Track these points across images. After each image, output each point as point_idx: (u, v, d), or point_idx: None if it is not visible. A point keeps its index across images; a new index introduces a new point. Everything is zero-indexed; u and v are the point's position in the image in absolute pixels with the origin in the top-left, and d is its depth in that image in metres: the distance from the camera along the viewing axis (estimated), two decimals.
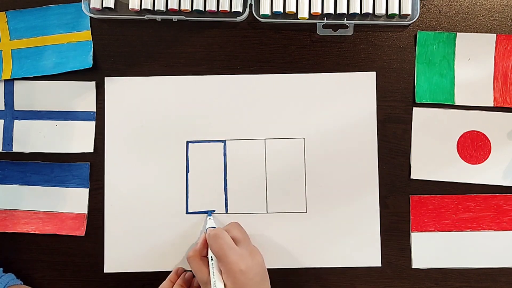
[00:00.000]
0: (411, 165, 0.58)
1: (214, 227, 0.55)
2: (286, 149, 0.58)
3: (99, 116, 0.59)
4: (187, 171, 0.58)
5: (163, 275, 0.57)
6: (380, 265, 0.58)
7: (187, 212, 0.58)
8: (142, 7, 0.58)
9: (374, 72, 0.59)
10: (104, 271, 0.58)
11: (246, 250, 0.51)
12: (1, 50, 0.60)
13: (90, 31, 0.59)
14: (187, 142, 0.59)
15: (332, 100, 0.59)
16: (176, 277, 0.56)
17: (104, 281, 0.58)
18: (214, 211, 0.58)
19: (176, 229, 0.58)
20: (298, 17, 0.58)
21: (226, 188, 0.58)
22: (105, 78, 0.59)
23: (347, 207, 0.58)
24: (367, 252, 0.58)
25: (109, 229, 0.58)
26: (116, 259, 0.58)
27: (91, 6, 0.58)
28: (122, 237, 0.58)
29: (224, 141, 0.59)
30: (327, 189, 0.58)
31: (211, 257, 0.51)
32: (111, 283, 0.58)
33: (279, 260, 0.58)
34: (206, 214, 0.58)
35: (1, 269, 0.57)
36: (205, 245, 0.53)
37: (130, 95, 0.59)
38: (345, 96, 0.58)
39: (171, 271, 0.57)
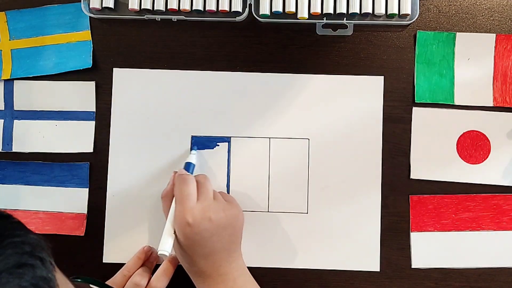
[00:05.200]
0: (411, 165, 0.58)
1: (193, 164, 0.56)
2: (290, 149, 0.58)
3: (100, 115, 0.59)
4: None
5: None
6: (378, 270, 0.57)
7: None
8: (142, 7, 0.58)
9: (382, 77, 0.58)
10: (103, 261, 0.58)
11: (200, 204, 0.50)
12: (1, 50, 0.60)
13: (89, 31, 0.59)
14: (192, 137, 0.59)
15: (338, 103, 0.58)
16: (144, 256, 0.57)
17: (104, 280, 0.58)
18: (197, 148, 0.58)
19: None
20: (298, 17, 0.58)
21: (229, 185, 0.58)
22: (114, 69, 0.59)
23: (348, 210, 0.58)
24: (366, 257, 0.57)
25: (110, 222, 0.58)
26: (116, 251, 0.58)
27: (90, 6, 0.58)
28: (123, 230, 0.58)
29: (229, 138, 0.59)
30: (329, 191, 0.58)
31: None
32: None
33: (279, 260, 0.58)
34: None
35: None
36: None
37: (138, 87, 0.59)
38: (352, 99, 0.58)
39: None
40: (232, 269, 0.52)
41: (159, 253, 0.49)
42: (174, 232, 0.51)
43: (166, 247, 0.50)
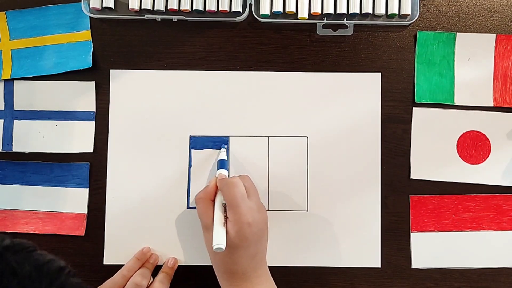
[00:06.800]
0: (411, 165, 0.58)
1: (226, 160, 0.56)
2: (289, 147, 0.58)
3: (99, 115, 0.59)
4: (190, 165, 0.58)
5: None
6: (379, 266, 0.58)
7: (188, 207, 0.58)
8: (142, 7, 0.58)
9: (379, 73, 0.59)
10: (104, 263, 0.58)
11: (255, 204, 0.51)
12: (1, 50, 0.60)
13: (90, 31, 0.59)
14: (191, 137, 0.59)
15: (336, 100, 0.59)
16: (143, 257, 0.57)
17: (104, 281, 0.58)
18: (225, 144, 0.58)
19: (177, 223, 0.58)
20: (298, 17, 0.58)
21: None
22: (111, 70, 0.59)
23: (348, 207, 0.58)
24: (366, 253, 0.58)
25: (110, 223, 0.58)
26: (116, 252, 0.58)
27: (91, 6, 0.58)
28: (123, 231, 0.58)
29: (227, 137, 0.59)
30: (329, 188, 0.58)
31: (223, 203, 0.51)
32: None
33: (279, 258, 0.58)
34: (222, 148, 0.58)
35: None
36: (216, 188, 0.53)
37: (135, 88, 0.59)
38: (350, 96, 0.58)
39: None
40: (265, 271, 0.53)
41: (215, 247, 0.48)
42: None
43: (222, 240, 0.48)
